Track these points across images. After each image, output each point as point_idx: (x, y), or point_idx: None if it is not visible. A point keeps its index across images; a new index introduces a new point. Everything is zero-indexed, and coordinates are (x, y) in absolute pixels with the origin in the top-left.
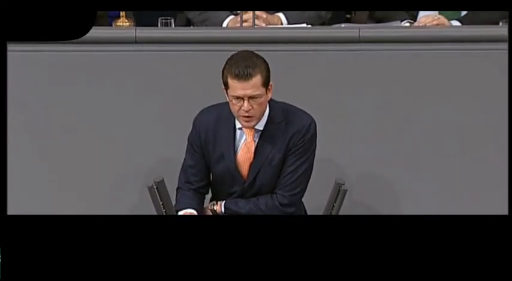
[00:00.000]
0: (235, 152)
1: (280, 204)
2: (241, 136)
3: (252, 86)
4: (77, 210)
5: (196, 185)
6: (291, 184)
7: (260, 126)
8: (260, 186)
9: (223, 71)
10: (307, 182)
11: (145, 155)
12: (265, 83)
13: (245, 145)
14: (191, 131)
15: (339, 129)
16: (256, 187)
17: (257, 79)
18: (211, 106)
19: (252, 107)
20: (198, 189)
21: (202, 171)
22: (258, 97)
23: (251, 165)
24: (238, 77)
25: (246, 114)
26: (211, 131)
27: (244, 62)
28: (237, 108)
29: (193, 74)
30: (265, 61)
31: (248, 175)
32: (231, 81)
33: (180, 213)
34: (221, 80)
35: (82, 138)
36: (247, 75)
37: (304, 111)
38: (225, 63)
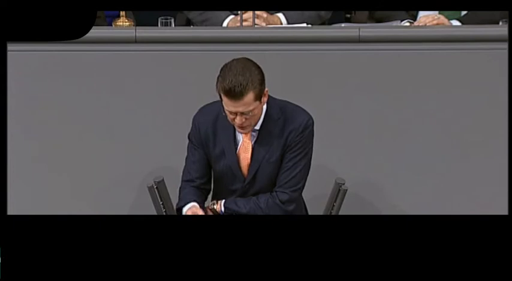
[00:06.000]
0: (236, 149)
1: (281, 201)
2: (240, 135)
3: (244, 103)
4: (77, 210)
5: (198, 182)
6: (291, 180)
7: (257, 125)
8: (261, 184)
9: (216, 82)
10: (306, 178)
11: (146, 155)
12: (259, 97)
13: (243, 144)
14: (191, 129)
15: (339, 129)
16: (257, 185)
17: (249, 97)
18: (210, 104)
19: (246, 119)
20: (200, 186)
21: (204, 167)
22: (250, 112)
23: (250, 163)
24: (230, 94)
25: (240, 126)
26: (211, 129)
27: (236, 79)
28: (231, 119)
29: (193, 74)
30: (259, 72)
31: (248, 172)
32: (223, 97)
33: (185, 208)
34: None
35: (82, 138)
36: (238, 93)
37: (301, 108)
38: (219, 72)
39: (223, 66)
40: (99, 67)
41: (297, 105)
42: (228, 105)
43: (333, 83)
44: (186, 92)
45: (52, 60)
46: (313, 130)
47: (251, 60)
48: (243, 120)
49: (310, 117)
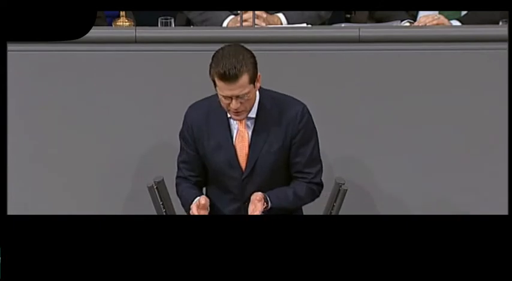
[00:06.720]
0: (232, 140)
1: (317, 183)
2: (235, 125)
3: (240, 86)
4: (76, 210)
5: (193, 180)
6: (313, 161)
7: (252, 113)
8: (260, 178)
9: (210, 68)
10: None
11: (145, 155)
12: (253, 80)
13: (239, 134)
14: (182, 127)
15: (339, 129)
16: (256, 179)
17: (244, 79)
18: (201, 100)
19: (241, 103)
20: (196, 183)
21: (198, 166)
22: (246, 95)
23: (248, 153)
24: (225, 78)
25: (236, 111)
26: (204, 124)
27: (230, 62)
28: (225, 105)
29: (193, 74)
30: (251, 56)
31: (246, 164)
32: (218, 81)
33: (193, 204)
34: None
35: (82, 138)
36: (233, 76)
37: (293, 98)
38: (211, 59)
39: (215, 52)
40: (99, 67)
41: (287, 95)
42: (223, 89)
43: (333, 83)
44: (186, 92)
45: (52, 60)
46: (310, 115)
47: (242, 45)
48: (238, 104)
49: (304, 105)
